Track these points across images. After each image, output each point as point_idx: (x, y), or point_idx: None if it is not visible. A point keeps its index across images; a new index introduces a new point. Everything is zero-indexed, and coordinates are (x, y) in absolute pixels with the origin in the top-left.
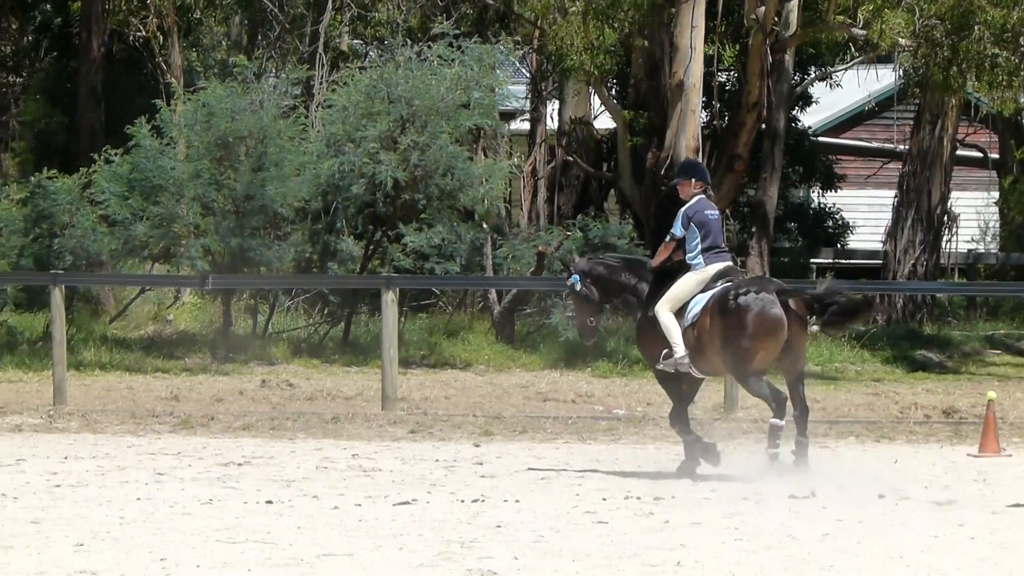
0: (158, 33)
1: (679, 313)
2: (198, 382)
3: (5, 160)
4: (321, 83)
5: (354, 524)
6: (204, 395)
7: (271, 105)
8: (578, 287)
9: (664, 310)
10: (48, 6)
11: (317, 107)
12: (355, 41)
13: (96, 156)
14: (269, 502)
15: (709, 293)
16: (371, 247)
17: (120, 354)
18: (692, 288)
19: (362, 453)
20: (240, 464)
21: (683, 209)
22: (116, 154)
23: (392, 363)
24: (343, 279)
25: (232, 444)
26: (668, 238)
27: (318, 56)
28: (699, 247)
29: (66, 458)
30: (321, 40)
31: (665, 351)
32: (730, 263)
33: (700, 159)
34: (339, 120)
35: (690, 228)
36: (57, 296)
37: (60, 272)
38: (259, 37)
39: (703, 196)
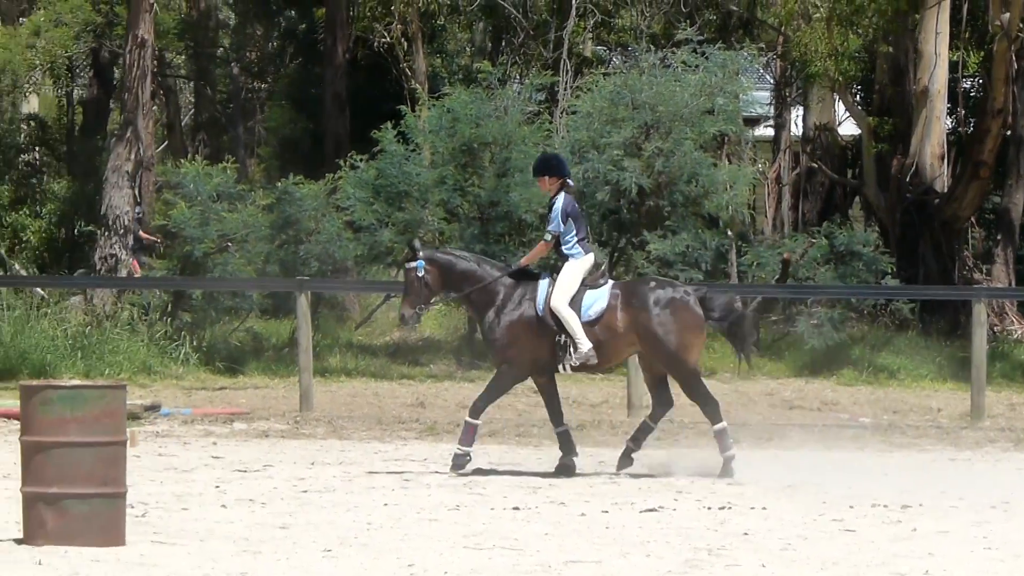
0: (402, 39)
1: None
2: (443, 388)
3: (251, 166)
4: (565, 89)
5: (601, 531)
6: (449, 401)
7: (515, 111)
8: (420, 272)
9: (564, 305)
10: (293, 12)
11: (561, 113)
12: (598, 47)
13: (341, 162)
14: (516, 508)
15: (606, 289)
16: (615, 254)
17: (365, 360)
18: (578, 277)
19: (608, 460)
20: (486, 470)
21: (559, 205)
22: (361, 160)
23: (637, 370)
24: None
25: (478, 450)
26: (547, 236)
27: (562, 62)
28: (575, 238)
29: (313, 464)
30: (565, 46)
31: (581, 347)
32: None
33: (944, 166)
34: (583, 126)
35: (568, 222)
36: (303, 302)
37: (306, 278)
38: (503, 43)
39: (565, 191)
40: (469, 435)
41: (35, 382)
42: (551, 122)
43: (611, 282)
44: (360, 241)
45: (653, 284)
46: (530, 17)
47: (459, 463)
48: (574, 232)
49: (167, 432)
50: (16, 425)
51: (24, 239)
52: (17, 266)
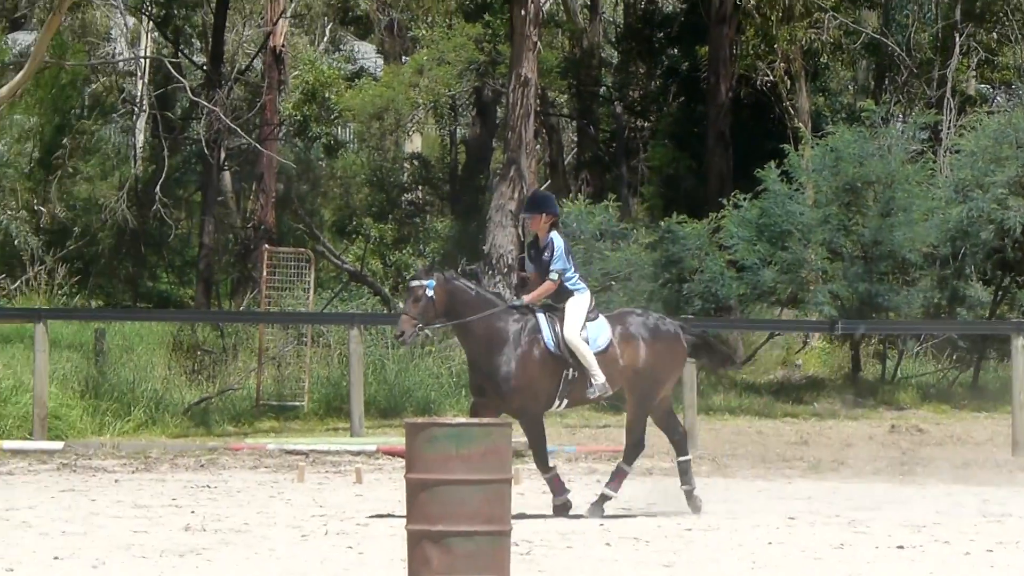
0: (785, 77)
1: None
2: (827, 427)
3: (634, 205)
4: (948, 127)
5: (985, 570)
6: (833, 440)
7: (898, 150)
8: (429, 292)
9: (579, 338)
10: (676, 50)
11: (944, 152)
12: (982, 85)
13: (724, 201)
14: (900, 547)
15: (603, 321)
16: (999, 293)
17: (749, 399)
18: (584, 312)
19: (992, 499)
20: (871, 509)
21: (560, 244)
22: (744, 199)
23: (1023, 408)
24: (972, 324)
25: (862, 489)
26: (554, 275)
27: (945, 100)
28: (576, 274)
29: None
30: (948, 84)
31: (597, 379)
32: None
33: None
34: (967, 165)
35: (568, 259)
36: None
37: (690, 316)
38: (885, 81)
39: (555, 229)
40: (556, 485)
41: (420, 419)
42: (934, 161)
43: (601, 315)
44: (743, 280)
45: (643, 315)
46: (913, 55)
47: (561, 510)
48: (573, 268)
49: None
50: (401, 463)
51: (408, 277)
52: (402, 305)
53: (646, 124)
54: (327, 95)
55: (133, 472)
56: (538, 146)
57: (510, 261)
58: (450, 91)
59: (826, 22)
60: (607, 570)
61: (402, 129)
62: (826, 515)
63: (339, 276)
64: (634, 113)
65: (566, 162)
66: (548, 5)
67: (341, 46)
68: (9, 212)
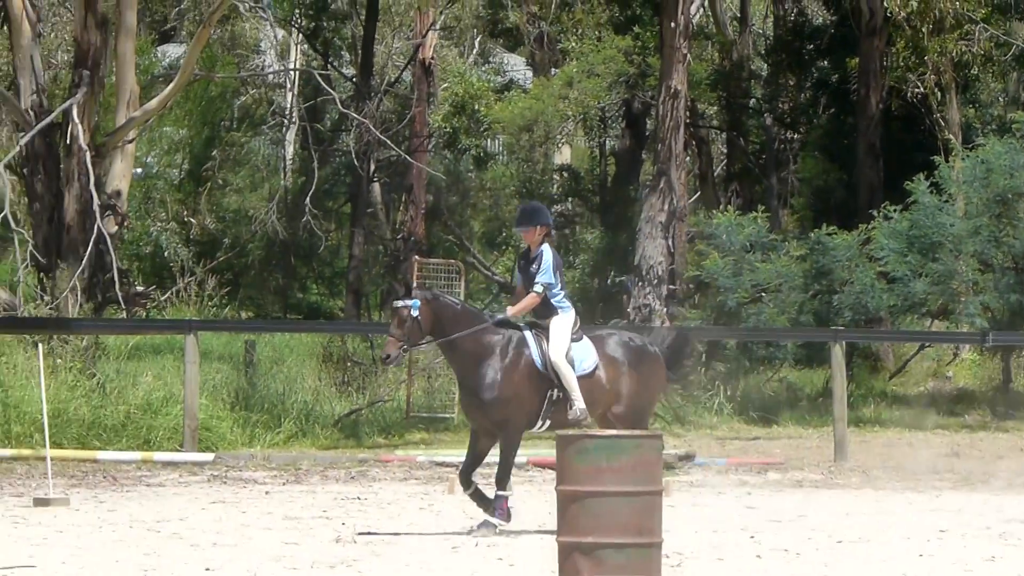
0: (935, 89)
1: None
2: (978, 439)
3: (783, 216)
4: None
5: None
6: (984, 452)
7: None
8: (415, 312)
9: (563, 359)
10: (826, 62)
11: None
12: None
13: (875, 212)
14: None
15: (588, 343)
16: None
17: (899, 410)
18: (569, 331)
19: None
20: (1022, 521)
21: (549, 257)
22: (895, 210)
23: None
24: None
25: (1013, 501)
26: (538, 288)
27: None
28: (561, 291)
29: (848, 514)
30: None
31: (577, 403)
32: None
33: None
34: None
35: (556, 275)
36: (838, 352)
37: (841, 328)
38: None
39: (547, 241)
40: (503, 508)
41: (571, 432)
42: None
43: (585, 336)
44: (893, 292)
45: (624, 336)
46: None
47: (486, 532)
48: (559, 285)
49: (701, 482)
50: (550, 475)
51: None
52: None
53: (796, 136)
54: (476, 107)
55: (283, 484)
56: (687, 158)
57: (660, 273)
58: (599, 103)
59: (977, 34)
60: None
61: (551, 141)
62: (977, 527)
63: (489, 287)
64: (784, 125)
65: (715, 173)
66: (698, 17)
67: (490, 58)
68: (159, 224)
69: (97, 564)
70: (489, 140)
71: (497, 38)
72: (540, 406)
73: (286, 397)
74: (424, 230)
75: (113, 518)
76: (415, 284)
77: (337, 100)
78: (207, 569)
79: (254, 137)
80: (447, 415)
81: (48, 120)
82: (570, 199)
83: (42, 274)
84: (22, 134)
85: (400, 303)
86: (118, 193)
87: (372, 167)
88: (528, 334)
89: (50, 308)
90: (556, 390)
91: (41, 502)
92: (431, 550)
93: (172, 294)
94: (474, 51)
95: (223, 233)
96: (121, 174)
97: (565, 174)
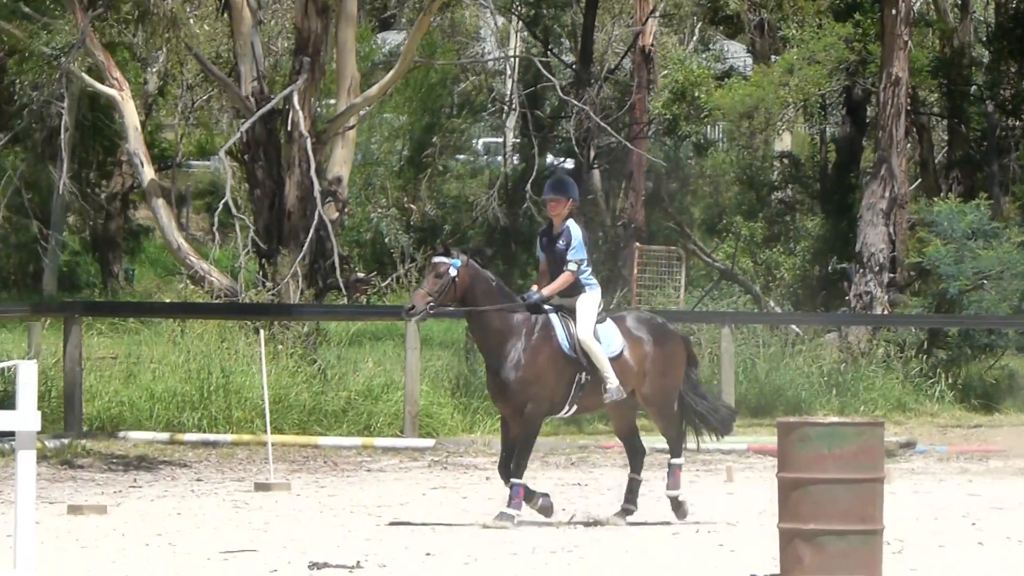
0: None
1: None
2: None
3: (1005, 203)
4: None
5: None
6: None
7: None
8: (453, 272)
9: (592, 339)
10: None
11: None
12: None
13: None
14: None
15: (612, 324)
16: None
17: None
18: (595, 310)
19: None
20: None
21: (579, 233)
22: None
23: None
24: None
25: None
26: (572, 266)
27: None
28: (589, 268)
29: None
30: None
31: (611, 383)
32: None
33: None
34: None
35: (585, 250)
36: None
37: None
38: None
39: (573, 216)
40: (518, 497)
41: (792, 419)
42: None
43: (608, 317)
44: None
45: (647, 316)
46: None
47: (504, 521)
48: (587, 260)
49: (922, 469)
50: (772, 461)
51: (778, 276)
52: (772, 303)
53: (1018, 123)
54: (696, 94)
55: None
56: (908, 145)
57: (881, 260)
58: (820, 90)
59: None
60: (980, 570)
61: (772, 128)
62: None
63: (709, 274)
64: (1006, 112)
65: (936, 161)
66: (919, 5)
67: (710, 45)
68: (380, 210)
69: (317, 549)
70: (709, 127)
71: (717, 25)
72: (567, 391)
73: None
74: (644, 217)
75: (334, 503)
76: (636, 270)
77: (557, 87)
78: (427, 554)
79: (474, 124)
80: None
81: (269, 107)
82: (790, 186)
83: (263, 260)
84: (243, 121)
85: (440, 259)
86: (339, 179)
87: (592, 154)
88: (554, 316)
89: (271, 294)
90: (584, 373)
91: (262, 487)
92: (650, 536)
93: (392, 280)
94: (694, 38)
95: (443, 219)
96: (342, 160)
97: (785, 161)
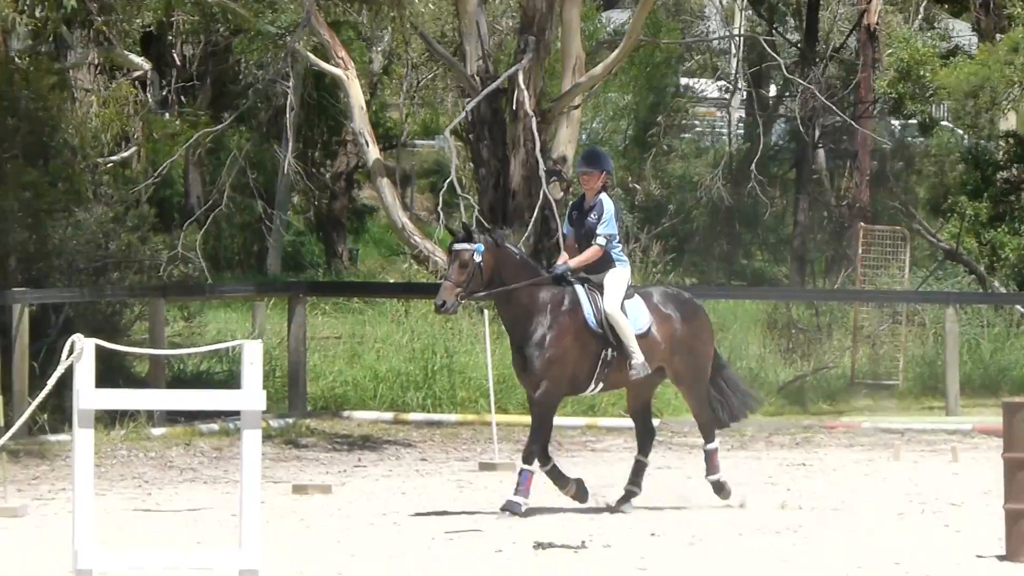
0: None
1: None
2: None
3: None
4: None
5: None
6: None
7: None
8: (477, 257)
9: (620, 313)
10: None
11: None
12: None
13: None
14: None
15: (639, 301)
16: None
17: None
18: (624, 286)
19: None
20: None
21: (611, 208)
22: None
23: None
24: None
25: None
26: (602, 239)
27: None
28: (619, 243)
29: None
30: None
31: (636, 358)
32: None
33: None
34: None
35: (616, 225)
36: None
37: None
38: None
39: (606, 190)
40: (526, 484)
41: (1018, 399)
42: None
43: (636, 293)
44: None
45: (674, 292)
46: None
47: (511, 509)
48: (618, 236)
49: None
50: (997, 442)
51: (1003, 256)
52: (996, 283)
53: None
54: (922, 73)
55: (728, 450)
56: None
57: None
58: None
59: None
60: None
61: (997, 107)
62: None
63: (934, 255)
64: None
65: None
66: None
67: (935, 24)
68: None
69: (542, 529)
70: (934, 106)
71: (942, 3)
72: (592, 368)
73: (732, 363)
74: (869, 197)
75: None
76: (860, 250)
77: (782, 66)
78: (652, 534)
79: (699, 103)
80: (892, 382)
81: (494, 86)
82: (1015, 165)
83: None
84: (468, 100)
85: (462, 245)
86: (563, 159)
87: (817, 133)
88: (581, 290)
89: None
90: (611, 349)
91: (487, 467)
92: (876, 517)
93: None
94: (918, 17)
95: (668, 199)
96: (567, 140)
97: (1011, 140)
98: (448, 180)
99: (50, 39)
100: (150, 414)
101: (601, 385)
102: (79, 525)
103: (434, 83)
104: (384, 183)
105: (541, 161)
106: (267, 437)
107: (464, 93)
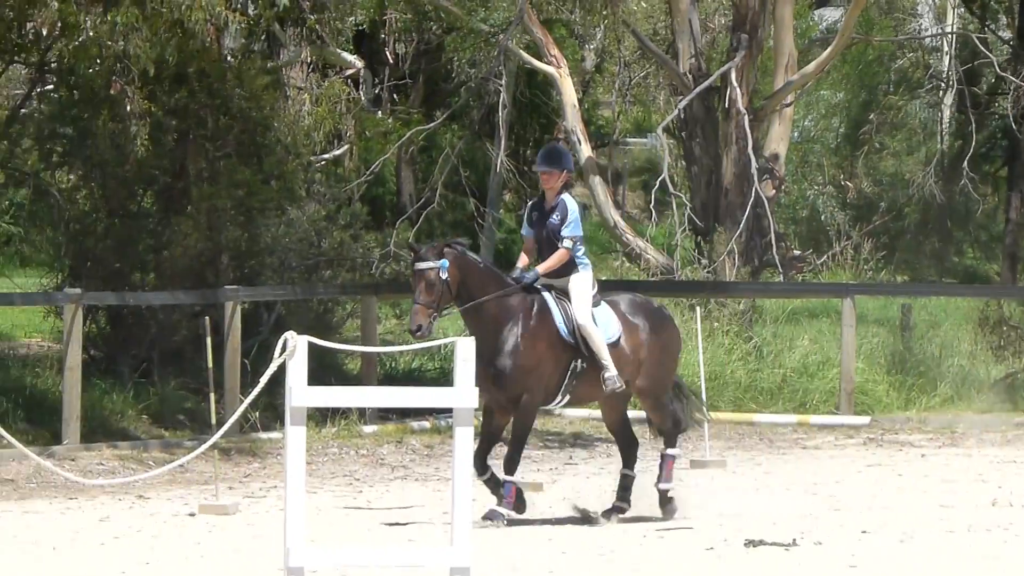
0: None
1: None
2: None
3: None
4: None
5: None
6: None
7: None
8: (444, 275)
9: (592, 323)
10: None
11: None
12: None
13: None
14: None
15: (607, 308)
16: None
17: None
18: (591, 291)
19: None
20: None
21: (576, 208)
22: None
23: None
24: None
25: None
26: (568, 242)
27: None
28: (583, 246)
29: None
30: None
31: (610, 371)
32: None
33: None
34: None
35: (581, 227)
36: None
37: None
38: None
39: (567, 189)
40: (511, 497)
41: None
42: None
43: (603, 300)
44: None
45: (642, 301)
46: None
47: (493, 518)
48: (582, 239)
49: None
50: None
51: None
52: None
53: None
54: None
55: (939, 447)
56: None
57: None
58: None
59: None
60: None
61: None
62: None
63: None
64: None
65: None
66: None
67: None
68: (816, 187)
69: (753, 526)
70: None
71: None
72: (561, 379)
73: (942, 360)
74: None
75: (769, 481)
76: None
77: (994, 63)
78: (863, 532)
79: (911, 101)
80: None
81: (707, 84)
82: None
83: (699, 237)
84: (680, 98)
85: (425, 264)
86: (775, 157)
87: None
88: (549, 298)
89: (707, 271)
90: (581, 360)
91: (698, 464)
92: None
93: (828, 258)
94: None
95: (879, 197)
96: (779, 138)
97: None
98: (660, 178)
99: (263, 37)
100: (361, 412)
101: (567, 397)
102: (290, 523)
103: (646, 81)
104: (596, 181)
105: (753, 159)
106: (478, 435)
107: (676, 91)
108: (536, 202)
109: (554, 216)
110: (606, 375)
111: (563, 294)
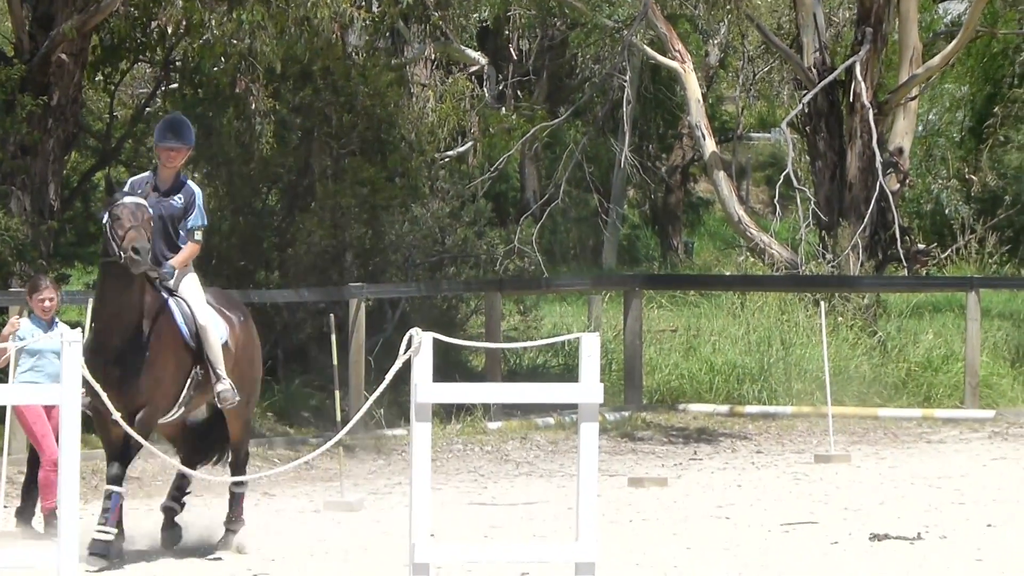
0: None
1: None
2: None
3: None
4: None
5: None
6: None
7: None
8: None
9: (213, 325)
10: None
11: None
12: None
13: None
14: None
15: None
16: None
17: None
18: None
19: None
20: None
21: (199, 193)
22: None
23: None
24: None
25: None
26: (198, 235)
27: None
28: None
29: None
30: None
31: (224, 381)
32: None
33: None
34: None
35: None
36: None
37: None
38: None
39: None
40: (117, 512)
41: None
42: None
43: (219, 292)
44: None
45: (222, 291)
46: None
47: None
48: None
49: None
50: None
51: None
52: None
53: None
54: None
55: None
56: None
57: None
58: None
59: None
60: None
61: None
62: None
63: None
64: None
65: None
66: None
67: None
68: (940, 181)
69: (877, 520)
70: None
71: None
72: (181, 390)
73: None
74: None
75: (893, 475)
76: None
77: None
78: (988, 526)
79: None
80: None
81: (831, 78)
82: None
83: (824, 232)
84: (804, 92)
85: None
86: (900, 150)
87: None
88: (168, 297)
89: (831, 266)
90: (199, 367)
91: (822, 459)
92: None
93: (952, 252)
94: None
95: (1004, 190)
96: (903, 131)
97: None
98: (784, 173)
99: (387, 34)
100: (486, 408)
101: (183, 410)
102: (416, 519)
103: (770, 76)
104: (720, 176)
105: (878, 153)
106: (603, 430)
107: (801, 85)
108: (147, 179)
109: (176, 200)
110: (221, 385)
111: (172, 290)
